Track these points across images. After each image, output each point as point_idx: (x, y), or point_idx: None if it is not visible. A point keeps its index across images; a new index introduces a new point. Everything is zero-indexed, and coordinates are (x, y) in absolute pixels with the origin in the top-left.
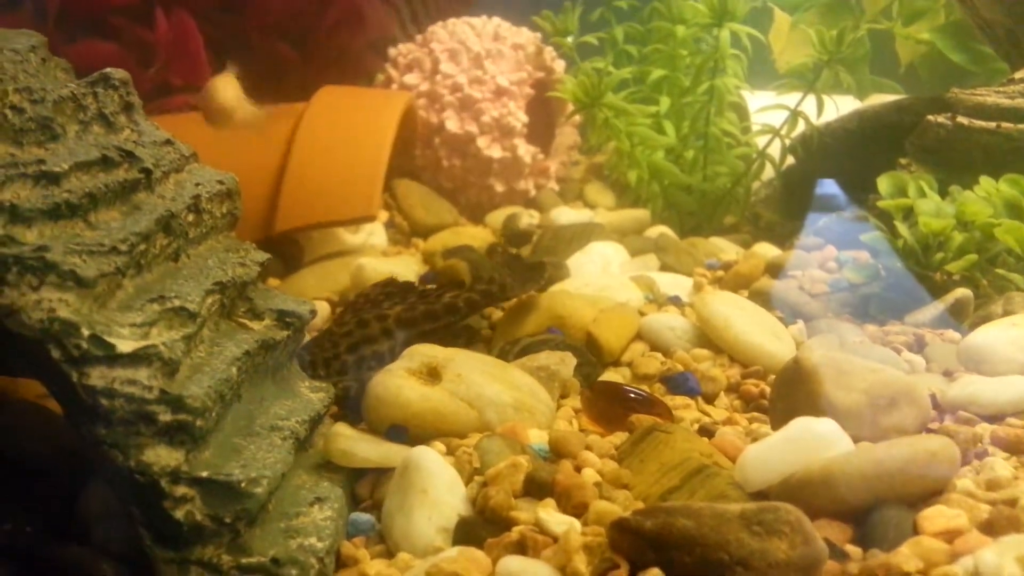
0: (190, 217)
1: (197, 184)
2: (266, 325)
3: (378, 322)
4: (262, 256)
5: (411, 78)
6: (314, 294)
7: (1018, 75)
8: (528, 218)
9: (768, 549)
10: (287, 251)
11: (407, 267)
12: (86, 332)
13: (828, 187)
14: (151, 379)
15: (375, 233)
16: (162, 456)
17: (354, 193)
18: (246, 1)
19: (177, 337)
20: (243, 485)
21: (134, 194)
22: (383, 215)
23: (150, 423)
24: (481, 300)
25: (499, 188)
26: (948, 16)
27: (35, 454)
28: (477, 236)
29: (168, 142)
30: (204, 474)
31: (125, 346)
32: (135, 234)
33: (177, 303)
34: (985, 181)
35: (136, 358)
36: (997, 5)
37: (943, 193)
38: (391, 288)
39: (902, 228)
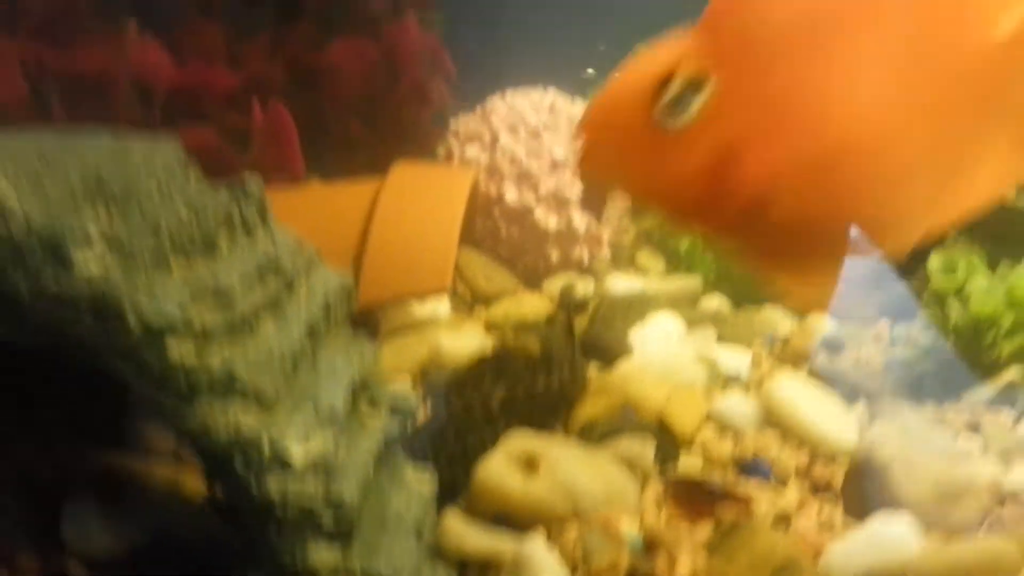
0: (322, 318)
1: (324, 284)
2: (382, 417)
3: (482, 408)
4: (374, 349)
5: (471, 150)
6: (394, 369)
7: None
8: (583, 287)
9: None
10: (365, 324)
11: (480, 341)
12: (267, 445)
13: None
14: (317, 484)
15: (440, 304)
16: (324, 556)
17: (429, 267)
18: (322, 81)
19: (330, 439)
20: None
21: (281, 302)
22: None
23: (315, 525)
24: (576, 389)
25: (554, 256)
26: None
27: (186, 540)
28: (536, 304)
29: (299, 245)
30: (358, 569)
31: (297, 455)
32: (294, 347)
33: (327, 405)
34: None
35: (306, 466)
36: None
37: (993, 267)
38: (488, 365)
39: (954, 309)
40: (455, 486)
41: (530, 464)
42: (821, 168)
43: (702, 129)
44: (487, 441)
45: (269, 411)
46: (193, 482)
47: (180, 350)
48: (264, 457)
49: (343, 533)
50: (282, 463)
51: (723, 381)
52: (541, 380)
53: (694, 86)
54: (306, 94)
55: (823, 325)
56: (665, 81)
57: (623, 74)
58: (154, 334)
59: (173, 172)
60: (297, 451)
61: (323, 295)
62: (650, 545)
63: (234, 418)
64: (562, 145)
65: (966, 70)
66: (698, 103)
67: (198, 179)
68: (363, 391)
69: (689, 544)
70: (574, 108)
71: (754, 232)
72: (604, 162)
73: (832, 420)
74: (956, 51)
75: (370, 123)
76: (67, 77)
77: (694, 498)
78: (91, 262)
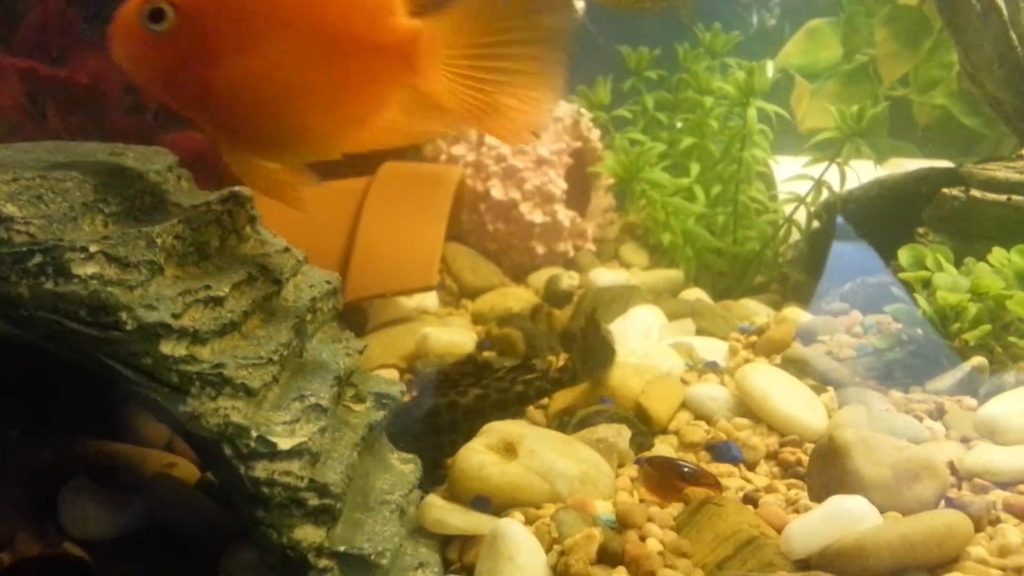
0: (308, 316)
1: (311, 286)
2: (367, 407)
3: (448, 412)
4: (360, 344)
5: (458, 149)
6: (381, 361)
7: None
8: (568, 279)
9: None
10: (353, 318)
11: (465, 333)
12: (254, 434)
13: (852, 252)
14: (302, 470)
15: (428, 296)
16: (309, 534)
17: (416, 265)
18: None
19: (315, 430)
20: (372, 557)
21: (269, 302)
22: None
23: (300, 506)
24: (552, 388)
25: (540, 250)
26: (961, 83)
27: (179, 522)
28: (521, 297)
29: (286, 249)
30: (341, 548)
31: (284, 444)
32: (281, 344)
33: (313, 400)
34: (998, 252)
35: (291, 453)
36: (1005, 85)
37: (959, 262)
38: (469, 367)
39: (922, 300)
40: (430, 474)
41: (508, 450)
42: (247, 88)
43: (171, 39)
44: (457, 439)
45: (256, 404)
46: (186, 469)
47: (172, 348)
48: (252, 446)
49: (328, 514)
50: (269, 451)
51: (701, 369)
52: (519, 383)
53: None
54: None
55: (798, 316)
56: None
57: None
58: (148, 334)
59: (166, 180)
60: (283, 440)
61: (310, 294)
62: (622, 523)
63: (223, 411)
64: (547, 143)
65: (352, 57)
66: (168, 20)
67: (190, 185)
68: (349, 385)
69: (658, 522)
70: (561, 108)
71: (205, 117)
72: (122, 55)
73: (801, 406)
74: (348, 45)
75: None
76: (62, 87)
77: (665, 478)
78: (89, 272)
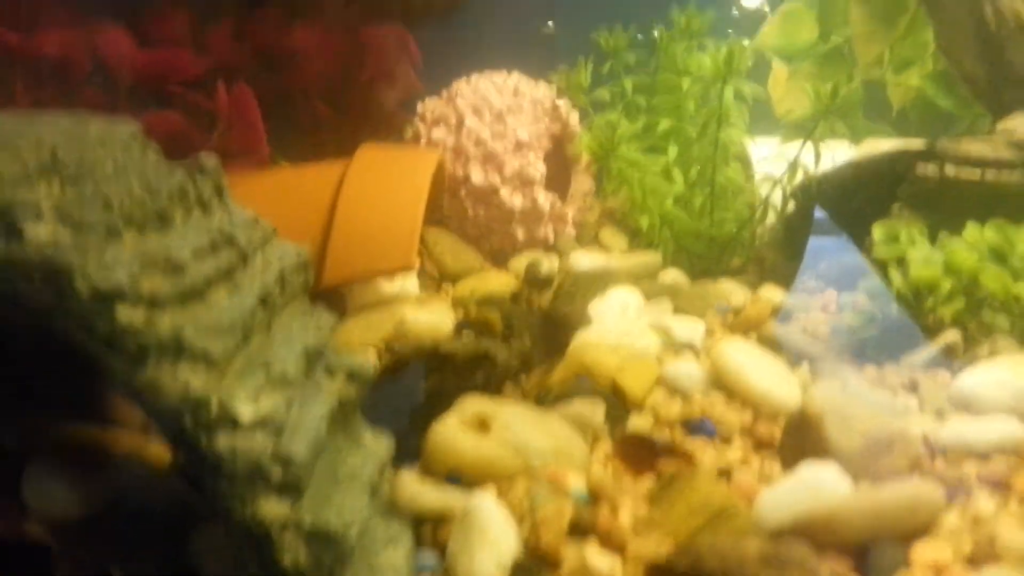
0: (277, 289)
1: (280, 258)
2: (339, 382)
3: (405, 399)
4: (332, 320)
5: (438, 132)
6: (360, 343)
7: (999, 126)
8: (548, 264)
9: None
10: (333, 303)
11: (444, 315)
12: (215, 403)
13: (827, 232)
14: (266, 440)
15: (409, 280)
16: (273, 507)
17: (394, 246)
18: (288, 63)
19: (280, 401)
20: (338, 531)
21: (234, 273)
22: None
23: (264, 479)
24: (510, 380)
25: (520, 235)
26: (936, 64)
27: (147, 503)
28: (501, 281)
29: (255, 221)
30: (307, 521)
31: (246, 414)
32: (246, 313)
33: (279, 369)
34: (971, 227)
35: (254, 424)
36: (980, 60)
37: (933, 239)
38: (431, 360)
39: (895, 276)
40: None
41: (482, 425)
42: None
43: None
44: (417, 424)
45: (219, 373)
46: (158, 451)
47: (129, 315)
48: (212, 416)
49: (293, 487)
50: (231, 421)
51: (677, 348)
52: (478, 374)
53: None
54: (272, 78)
55: (774, 295)
56: None
57: None
58: (103, 299)
59: (129, 149)
60: (246, 410)
61: (278, 266)
62: (595, 497)
63: (183, 379)
64: (526, 127)
65: None
66: None
67: (156, 156)
68: (319, 358)
69: (631, 495)
70: (537, 91)
71: None
72: None
73: (775, 381)
74: None
75: (336, 106)
76: (30, 61)
77: (639, 453)
78: (42, 234)
